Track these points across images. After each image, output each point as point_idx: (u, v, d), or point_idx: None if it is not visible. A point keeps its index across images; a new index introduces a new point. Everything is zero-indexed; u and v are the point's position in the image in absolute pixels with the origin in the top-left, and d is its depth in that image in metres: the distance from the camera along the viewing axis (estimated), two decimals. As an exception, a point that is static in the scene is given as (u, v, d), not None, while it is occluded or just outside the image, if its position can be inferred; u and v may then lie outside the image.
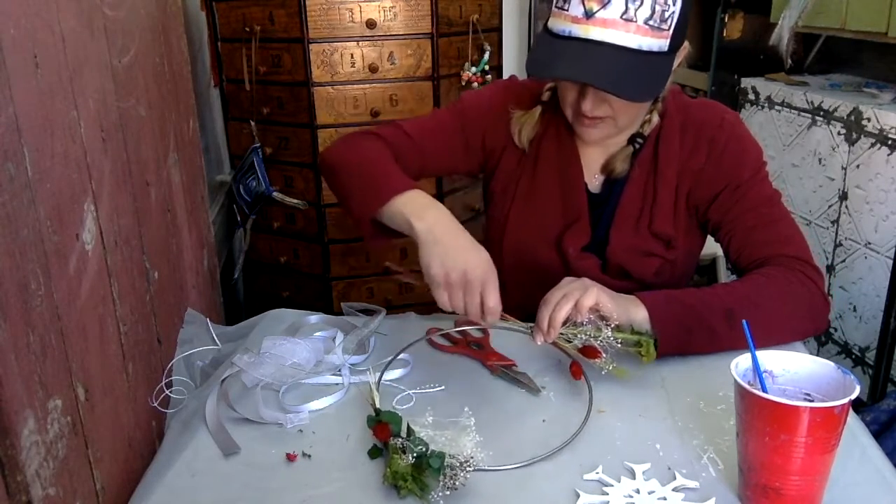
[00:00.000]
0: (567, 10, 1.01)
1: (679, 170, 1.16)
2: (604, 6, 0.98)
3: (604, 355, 0.97)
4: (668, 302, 1.03)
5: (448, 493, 0.78)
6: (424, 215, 0.99)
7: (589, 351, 0.98)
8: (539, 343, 0.99)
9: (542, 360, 1.06)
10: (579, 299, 0.97)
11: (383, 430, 0.85)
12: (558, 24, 1.03)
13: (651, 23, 0.99)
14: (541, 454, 0.86)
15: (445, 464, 0.78)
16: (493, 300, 0.94)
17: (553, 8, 1.05)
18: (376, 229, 1.06)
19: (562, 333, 0.98)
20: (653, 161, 1.17)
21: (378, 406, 0.91)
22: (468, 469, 0.79)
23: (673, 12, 1.00)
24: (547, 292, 1.01)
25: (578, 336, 0.97)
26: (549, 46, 1.04)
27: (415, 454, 0.79)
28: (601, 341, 0.96)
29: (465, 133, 1.23)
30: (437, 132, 1.23)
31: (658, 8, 0.99)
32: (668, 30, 1.01)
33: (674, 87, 1.17)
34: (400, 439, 0.82)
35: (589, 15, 0.99)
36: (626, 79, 1.00)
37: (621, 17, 0.98)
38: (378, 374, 1.01)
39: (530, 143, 1.22)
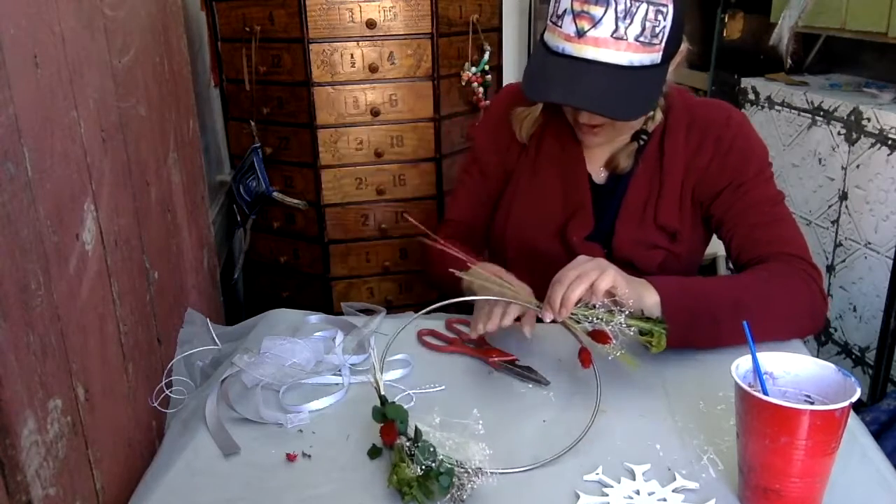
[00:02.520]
0: (561, 28, 1.03)
1: (685, 166, 1.17)
2: (594, 25, 0.99)
3: (614, 341, 0.94)
4: (681, 290, 1.02)
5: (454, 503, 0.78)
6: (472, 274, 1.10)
7: (598, 335, 0.95)
8: (548, 321, 0.97)
9: (541, 359, 1.06)
10: (595, 281, 0.94)
11: (390, 431, 0.83)
12: (553, 40, 1.05)
13: (642, 39, 1.00)
14: (545, 456, 0.85)
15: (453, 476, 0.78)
16: (509, 318, 1.02)
17: (549, 21, 1.06)
18: None
19: (573, 314, 0.95)
20: (658, 156, 1.18)
21: (383, 393, 0.88)
22: (475, 481, 0.78)
23: (664, 27, 1.01)
24: (550, 281, 0.99)
25: (589, 318, 0.94)
26: (543, 63, 1.06)
27: (423, 467, 0.78)
28: (612, 327, 0.93)
29: (485, 176, 1.32)
30: (470, 199, 1.34)
31: (648, 24, 1.00)
32: (660, 43, 1.02)
33: (681, 87, 1.19)
34: (407, 444, 0.81)
35: (581, 34, 1.01)
36: (618, 98, 1.01)
37: (612, 35, 0.99)
38: (380, 363, 0.97)
39: (532, 137, 1.25)
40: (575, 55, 1.02)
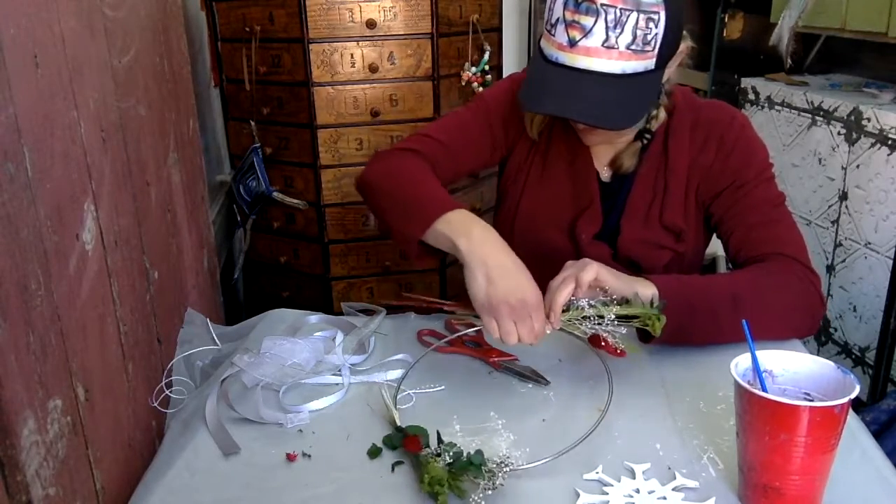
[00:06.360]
0: (554, 36, 1.03)
1: (689, 165, 1.18)
2: (585, 35, 1.00)
3: (611, 341, 0.95)
4: (679, 285, 1.03)
5: (490, 493, 0.78)
6: (469, 234, 0.98)
7: (596, 340, 0.98)
8: (548, 331, 0.98)
9: (541, 359, 1.06)
10: (578, 276, 0.96)
11: (414, 441, 0.85)
12: (547, 48, 1.05)
13: (633, 47, 1.00)
14: (545, 455, 0.85)
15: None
16: (539, 324, 0.95)
17: (544, 29, 1.07)
18: (422, 249, 1.05)
19: (571, 319, 0.97)
20: (662, 156, 1.19)
21: (399, 423, 0.90)
22: (506, 469, 0.79)
23: (657, 34, 1.01)
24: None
25: (584, 322, 0.96)
26: (539, 73, 1.06)
27: (451, 456, 0.79)
28: (606, 326, 0.94)
29: (491, 129, 1.26)
30: (465, 134, 1.24)
31: (639, 33, 1.00)
32: (653, 50, 1.02)
33: (685, 88, 1.20)
34: (432, 448, 0.83)
35: (573, 43, 1.01)
36: (612, 107, 1.02)
37: (603, 45, 1.00)
38: (393, 391, 0.99)
39: (541, 133, 1.25)
40: (568, 64, 1.02)
